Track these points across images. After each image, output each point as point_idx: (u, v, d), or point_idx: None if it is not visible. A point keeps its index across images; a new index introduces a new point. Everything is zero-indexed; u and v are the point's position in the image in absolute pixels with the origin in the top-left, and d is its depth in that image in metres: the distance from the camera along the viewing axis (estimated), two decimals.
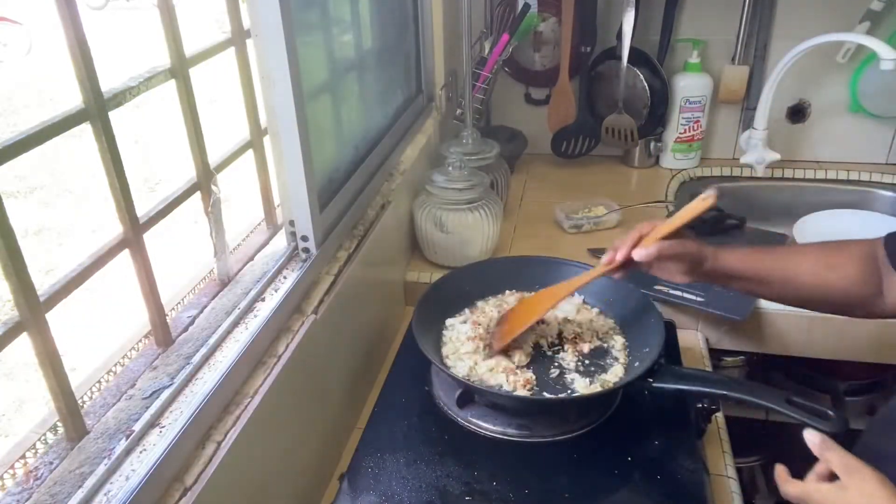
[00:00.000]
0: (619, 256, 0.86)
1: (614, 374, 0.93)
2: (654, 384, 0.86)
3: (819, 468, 0.67)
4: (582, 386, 0.92)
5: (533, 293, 1.03)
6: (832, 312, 0.93)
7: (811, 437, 0.68)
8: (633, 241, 0.86)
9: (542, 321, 1.01)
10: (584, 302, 1.08)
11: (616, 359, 0.97)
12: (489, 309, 1.06)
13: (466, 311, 1.07)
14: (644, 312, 1.00)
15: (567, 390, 0.92)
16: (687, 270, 0.86)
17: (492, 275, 1.12)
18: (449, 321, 1.04)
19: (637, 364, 0.93)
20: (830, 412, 0.74)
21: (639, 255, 0.84)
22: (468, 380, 0.91)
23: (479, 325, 1.01)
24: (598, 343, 1.00)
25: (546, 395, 0.91)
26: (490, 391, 0.90)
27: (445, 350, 0.99)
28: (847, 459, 0.65)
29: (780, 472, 0.70)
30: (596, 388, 0.91)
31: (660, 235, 0.85)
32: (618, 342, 1.00)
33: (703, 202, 0.85)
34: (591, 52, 1.65)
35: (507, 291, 1.11)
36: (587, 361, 0.97)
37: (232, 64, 0.85)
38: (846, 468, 0.64)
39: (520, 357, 0.95)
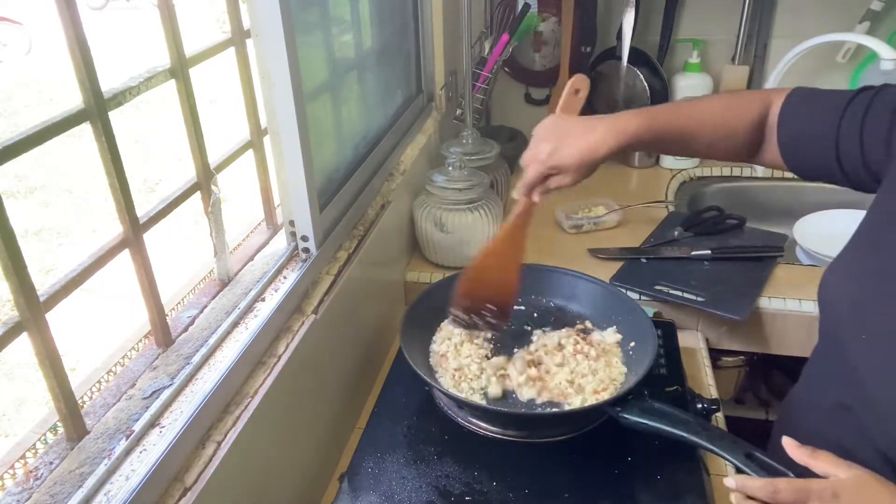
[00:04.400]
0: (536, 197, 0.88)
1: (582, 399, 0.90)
2: (622, 414, 0.83)
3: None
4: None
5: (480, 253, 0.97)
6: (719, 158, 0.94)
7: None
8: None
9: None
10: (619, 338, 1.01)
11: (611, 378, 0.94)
12: None
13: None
14: (643, 336, 0.96)
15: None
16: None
17: None
18: (435, 336, 1.02)
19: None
20: (791, 475, 0.68)
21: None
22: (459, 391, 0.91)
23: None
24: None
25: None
26: (475, 404, 0.89)
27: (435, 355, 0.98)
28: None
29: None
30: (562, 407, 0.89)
31: None
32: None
33: (576, 96, 0.90)
34: (591, 52, 1.65)
35: None
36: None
37: (232, 64, 0.85)
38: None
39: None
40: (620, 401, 0.84)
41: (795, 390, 0.91)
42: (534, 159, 0.86)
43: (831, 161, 0.80)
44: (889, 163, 0.74)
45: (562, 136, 0.85)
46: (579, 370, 0.94)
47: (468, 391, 0.92)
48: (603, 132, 0.85)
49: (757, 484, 0.65)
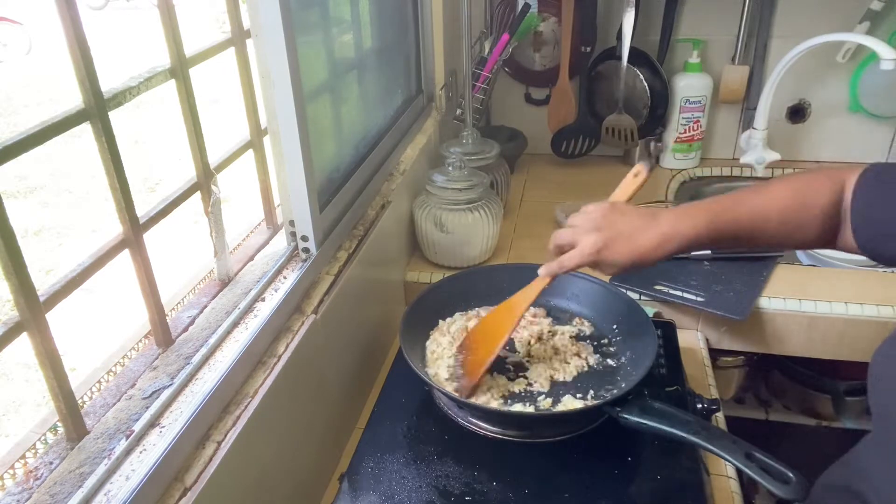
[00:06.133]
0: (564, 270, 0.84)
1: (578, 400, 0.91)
2: (622, 414, 0.82)
3: None
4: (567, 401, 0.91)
5: (488, 312, 0.97)
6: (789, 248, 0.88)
7: None
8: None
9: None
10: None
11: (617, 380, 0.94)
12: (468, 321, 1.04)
13: (454, 316, 1.05)
14: (644, 336, 0.96)
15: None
16: None
17: (484, 283, 1.09)
18: (432, 333, 1.03)
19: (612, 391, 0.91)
20: (791, 475, 0.68)
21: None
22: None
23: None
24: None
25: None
26: (479, 407, 0.89)
27: (430, 358, 0.98)
28: None
29: None
30: (560, 407, 0.89)
31: None
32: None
33: (634, 178, 0.86)
34: (591, 52, 1.65)
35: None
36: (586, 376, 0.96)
37: (232, 64, 0.85)
38: None
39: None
40: (620, 401, 0.84)
41: (840, 472, 0.80)
42: (579, 251, 0.81)
43: None
44: None
45: (615, 231, 0.80)
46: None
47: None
48: (660, 236, 0.79)
49: None
